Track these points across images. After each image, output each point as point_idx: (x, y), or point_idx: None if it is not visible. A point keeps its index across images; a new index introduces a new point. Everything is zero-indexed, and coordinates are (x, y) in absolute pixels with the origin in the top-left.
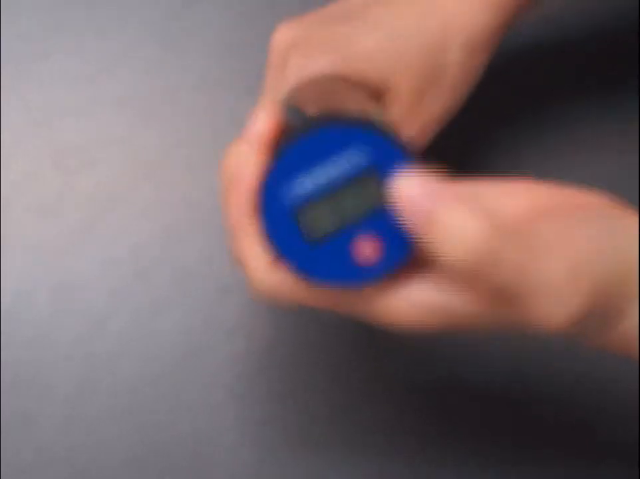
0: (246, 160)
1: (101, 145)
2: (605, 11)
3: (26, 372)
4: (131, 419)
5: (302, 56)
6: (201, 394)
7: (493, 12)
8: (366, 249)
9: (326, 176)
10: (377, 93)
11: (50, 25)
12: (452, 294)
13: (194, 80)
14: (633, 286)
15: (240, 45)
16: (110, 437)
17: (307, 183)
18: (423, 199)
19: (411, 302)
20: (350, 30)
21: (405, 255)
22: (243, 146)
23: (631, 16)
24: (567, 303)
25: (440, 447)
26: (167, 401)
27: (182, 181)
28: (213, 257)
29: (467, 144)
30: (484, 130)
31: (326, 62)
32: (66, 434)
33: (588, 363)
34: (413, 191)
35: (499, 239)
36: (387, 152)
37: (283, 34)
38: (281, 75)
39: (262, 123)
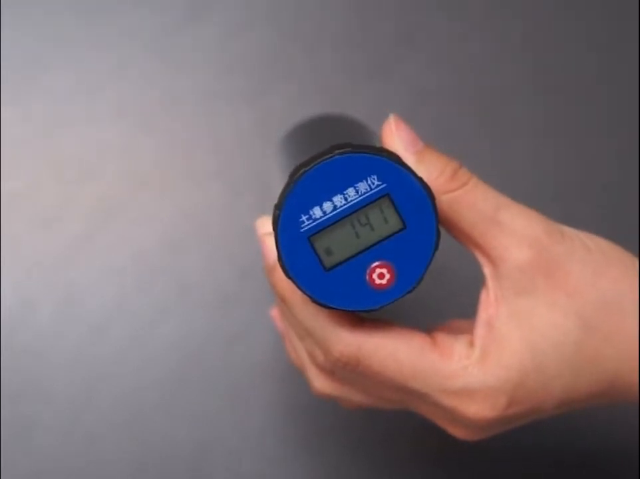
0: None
1: (101, 156)
2: (604, 13)
3: (28, 380)
4: (132, 426)
5: None
6: (201, 403)
7: None
8: (381, 273)
9: (341, 203)
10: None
11: (50, 37)
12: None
13: (194, 91)
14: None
15: (239, 57)
16: (111, 444)
17: (322, 210)
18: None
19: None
20: None
21: (417, 279)
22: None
23: (631, 16)
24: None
25: (447, 460)
26: (167, 409)
27: (182, 191)
28: (214, 266)
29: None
30: (477, 135)
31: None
32: (67, 442)
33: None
34: None
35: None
36: (400, 179)
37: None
38: None
39: None
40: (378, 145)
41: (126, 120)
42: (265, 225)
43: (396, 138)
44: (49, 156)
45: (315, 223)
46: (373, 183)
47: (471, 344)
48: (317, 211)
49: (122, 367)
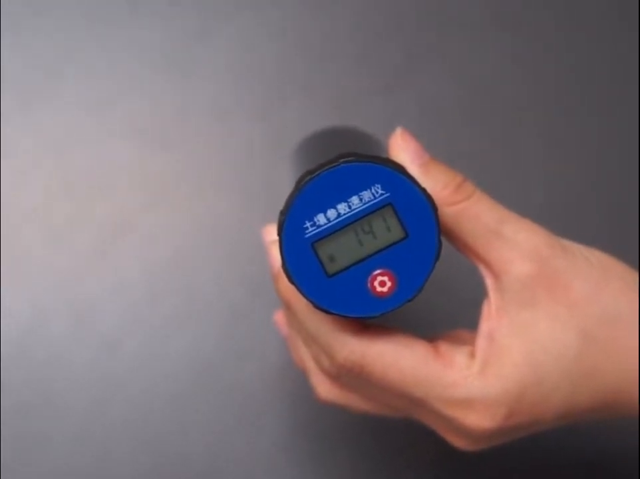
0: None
1: (112, 170)
2: (604, 13)
3: (41, 393)
4: (142, 442)
5: None
6: (212, 416)
7: None
8: (382, 281)
9: (345, 211)
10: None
11: (62, 51)
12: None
13: (205, 106)
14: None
15: (251, 71)
16: (121, 460)
17: (327, 217)
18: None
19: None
20: None
21: (418, 287)
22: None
23: (631, 15)
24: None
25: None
26: (178, 424)
27: (193, 206)
28: (225, 280)
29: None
30: (487, 150)
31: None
32: (78, 457)
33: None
34: None
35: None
36: (403, 189)
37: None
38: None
39: None
40: (386, 157)
41: (137, 134)
42: (272, 233)
43: (402, 150)
44: (60, 171)
45: (318, 230)
46: (377, 192)
47: (472, 355)
48: (321, 218)
49: (133, 382)
